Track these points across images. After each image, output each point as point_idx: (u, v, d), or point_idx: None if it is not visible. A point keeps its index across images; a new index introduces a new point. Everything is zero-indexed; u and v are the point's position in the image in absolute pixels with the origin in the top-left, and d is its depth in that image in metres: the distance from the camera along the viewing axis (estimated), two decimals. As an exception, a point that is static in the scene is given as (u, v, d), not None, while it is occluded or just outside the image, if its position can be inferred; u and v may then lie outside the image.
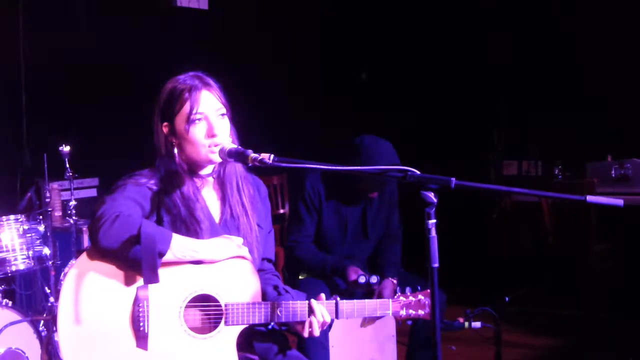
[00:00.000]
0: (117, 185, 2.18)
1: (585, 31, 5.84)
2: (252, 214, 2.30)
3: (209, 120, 2.17)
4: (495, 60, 6.20)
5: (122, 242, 2.00)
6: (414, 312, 2.38)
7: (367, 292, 3.22)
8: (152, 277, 2.00)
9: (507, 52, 6.16)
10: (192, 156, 2.20)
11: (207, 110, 2.17)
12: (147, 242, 1.98)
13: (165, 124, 2.21)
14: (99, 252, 2.06)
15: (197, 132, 2.16)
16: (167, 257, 2.05)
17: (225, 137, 2.19)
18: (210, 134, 2.16)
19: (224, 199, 2.28)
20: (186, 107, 2.16)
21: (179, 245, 2.08)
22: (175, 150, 2.21)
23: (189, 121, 2.15)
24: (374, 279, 3.18)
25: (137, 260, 2.00)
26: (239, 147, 2.14)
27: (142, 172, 2.23)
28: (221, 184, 2.28)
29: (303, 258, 3.33)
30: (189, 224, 2.17)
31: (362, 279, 3.17)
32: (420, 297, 2.39)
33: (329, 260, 3.31)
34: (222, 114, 2.20)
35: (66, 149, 3.87)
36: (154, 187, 2.19)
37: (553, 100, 6.01)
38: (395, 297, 2.39)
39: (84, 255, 2.09)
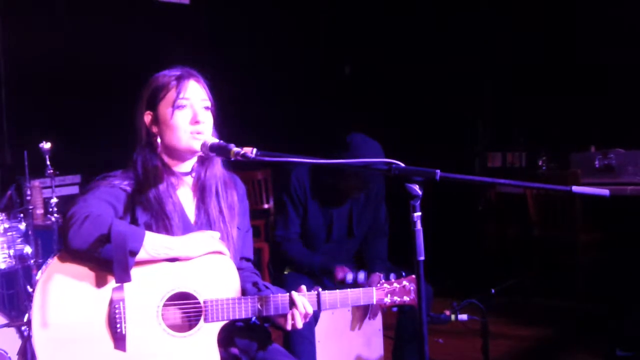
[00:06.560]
0: (89, 187, 2.15)
1: (573, 29, 5.87)
2: (230, 221, 2.27)
3: (193, 108, 2.17)
4: (478, 54, 6.21)
5: (92, 242, 1.96)
6: (399, 299, 2.33)
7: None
8: (123, 276, 1.97)
9: (492, 45, 6.17)
10: (173, 143, 2.17)
11: (193, 98, 2.18)
12: (117, 241, 1.94)
13: (148, 112, 2.21)
14: (71, 254, 2.02)
15: (181, 117, 2.16)
16: (141, 255, 2.01)
17: (208, 129, 2.18)
18: (194, 121, 2.15)
19: (201, 203, 2.25)
20: (172, 93, 2.17)
21: (152, 242, 2.04)
22: (158, 140, 2.19)
23: (174, 106, 2.16)
24: (361, 276, 3.15)
25: (108, 260, 1.97)
26: (221, 141, 2.11)
27: (115, 173, 2.20)
28: (201, 188, 2.25)
29: (291, 256, 3.32)
30: (159, 219, 2.13)
31: (349, 277, 3.15)
32: (404, 283, 2.34)
33: (316, 260, 3.30)
34: (207, 107, 2.21)
35: (47, 145, 3.81)
36: (128, 189, 2.16)
37: (536, 91, 6.02)
38: (379, 285, 2.34)
39: (55, 259, 2.04)
